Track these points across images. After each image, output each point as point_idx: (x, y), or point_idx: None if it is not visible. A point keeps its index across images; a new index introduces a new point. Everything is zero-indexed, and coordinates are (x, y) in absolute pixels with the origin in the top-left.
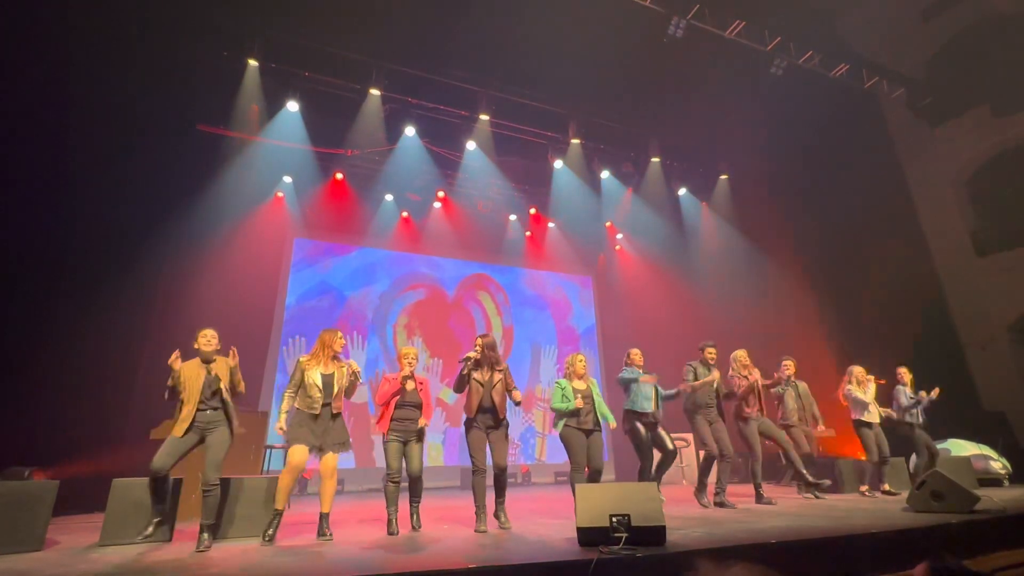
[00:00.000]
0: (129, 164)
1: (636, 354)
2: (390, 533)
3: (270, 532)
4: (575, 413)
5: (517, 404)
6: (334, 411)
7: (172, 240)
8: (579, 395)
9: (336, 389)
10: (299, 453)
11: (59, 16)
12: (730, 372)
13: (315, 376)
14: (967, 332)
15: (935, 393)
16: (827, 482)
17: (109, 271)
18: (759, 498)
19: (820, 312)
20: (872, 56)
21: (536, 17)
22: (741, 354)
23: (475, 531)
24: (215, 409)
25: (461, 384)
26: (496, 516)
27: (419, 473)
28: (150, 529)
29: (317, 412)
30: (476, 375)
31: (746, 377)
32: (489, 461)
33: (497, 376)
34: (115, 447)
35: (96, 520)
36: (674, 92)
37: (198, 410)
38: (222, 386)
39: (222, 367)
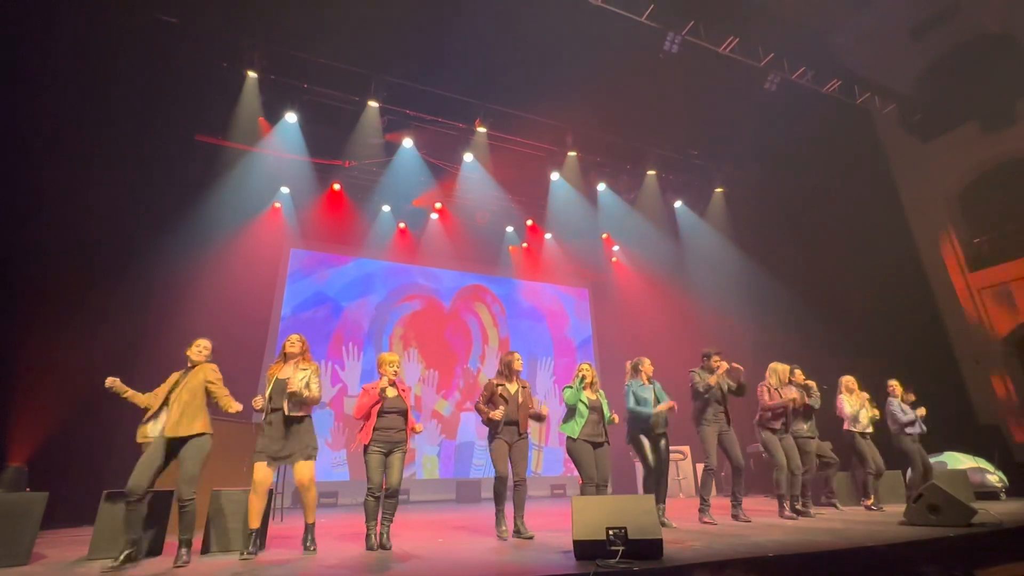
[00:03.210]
0: (127, 174)
1: (647, 364)
2: (369, 548)
3: (251, 550)
4: (587, 411)
5: (540, 420)
6: (288, 414)
7: (169, 250)
8: (590, 405)
9: (291, 391)
10: (260, 470)
11: (59, 27)
12: (763, 383)
13: (271, 381)
14: (961, 346)
15: (920, 413)
16: (804, 513)
17: (105, 280)
18: (782, 511)
19: (814, 325)
20: (863, 72)
21: (534, 30)
22: (782, 368)
23: (498, 537)
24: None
25: (487, 418)
26: (516, 529)
27: (397, 487)
28: (120, 558)
29: (270, 420)
30: (502, 389)
31: (778, 390)
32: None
33: (523, 392)
34: (106, 459)
35: (85, 534)
36: (670, 106)
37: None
38: (179, 390)
39: (195, 375)
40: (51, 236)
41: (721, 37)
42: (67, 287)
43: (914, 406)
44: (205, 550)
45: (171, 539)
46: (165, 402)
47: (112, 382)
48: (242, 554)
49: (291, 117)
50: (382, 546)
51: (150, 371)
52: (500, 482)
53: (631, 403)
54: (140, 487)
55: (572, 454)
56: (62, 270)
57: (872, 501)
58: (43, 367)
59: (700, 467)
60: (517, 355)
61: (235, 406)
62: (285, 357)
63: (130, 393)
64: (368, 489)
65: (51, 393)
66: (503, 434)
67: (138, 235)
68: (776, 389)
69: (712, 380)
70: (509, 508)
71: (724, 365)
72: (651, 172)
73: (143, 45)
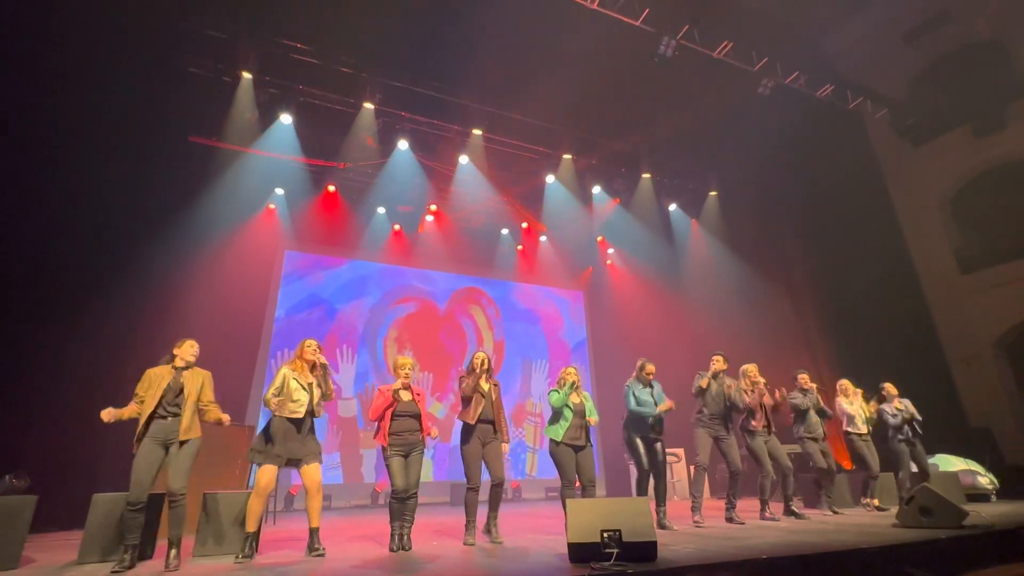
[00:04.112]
0: (121, 175)
1: (650, 367)
2: (392, 549)
3: (246, 552)
4: (572, 415)
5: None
6: (317, 415)
7: (162, 252)
8: (573, 409)
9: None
10: (267, 474)
11: (52, 27)
12: (740, 385)
13: (295, 383)
14: (953, 349)
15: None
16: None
17: (98, 282)
18: (763, 514)
19: (807, 328)
20: (856, 77)
21: (529, 34)
22: (751, 368)
23: (463, 543)
24: (176, 416)
25: (472, 390)
26: (487, 530)
27: (415, 487)
28: (126, 557)
29: (301, 416)
30: (478, 386)
31: (753, 391)
32: (484, 476)
33: (495, 391)
34: (96, 463)
35: (75, 537)
36: (664, 110)
37: (157, 416)
38: (185, 393)
39: (193, 378)
40: (43, 239)
41: (715, 41)
42: (59, 289)
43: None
44: (197, 553)
45: (163, 542)
46: (158, 407)
47: (110, 415)
48: (238, 557)
49: (286, 118)
50: (403, 548)
51: (143, 372)
52: (473, 492)
53: (632, 404)
54: (144, 496)
55: (553, 456)
56: (54, 273)
57: (868, 501)
58: (34, 370)
59: (693, 468)
60: (480, 353)
61: (226, 418)
62: (301, 362)
63: (126, 412)
64: (392, 492)
65: (41, 396)
66: (478, 434)
67: (131, 237)
68: (747, 391)
69: (704, 383)
70: (481, 514)
71: (719, 364)
72: (646, 175)
73: (137, 45)
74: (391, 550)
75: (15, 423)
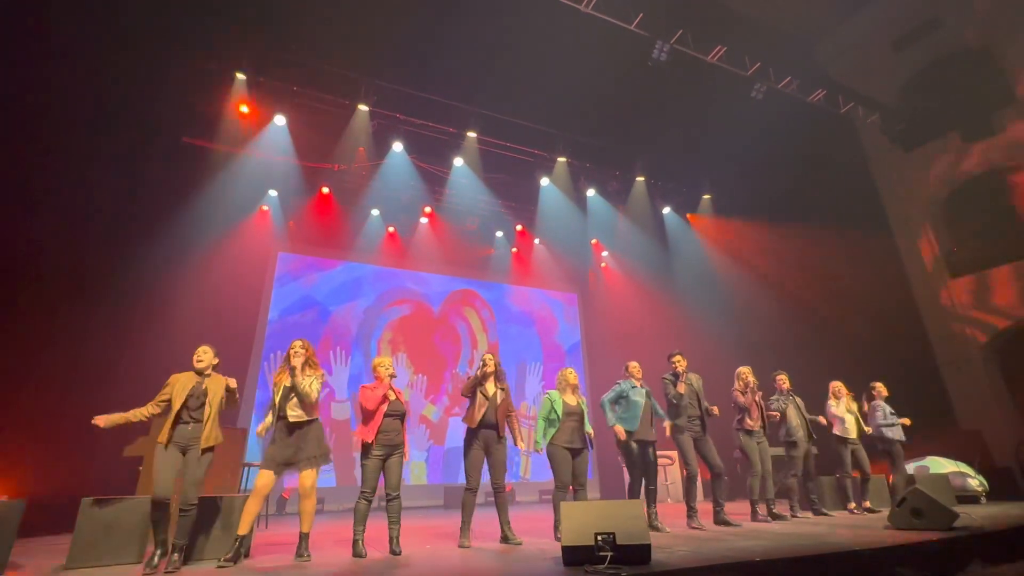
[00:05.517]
0: (114, 176)
1: (635, 368)
2: (356, 555)
3: (229, 555)
4: (557, 429)
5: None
6: (291, 420)
7: (155, 253)
8: (568, 411)
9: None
10: (264, 477)
11: (46, 28)
12: (734, 387)
13: (279, 389)
14: (943, 351)
15: (904, 422)
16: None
17: (90, 283)
18: (755, 515)
19: (799, 330)
20: (847, 83)
21: (525, 37)
22: (745, 370)
23: (459, 546)
24: (198, 423)
25: (470, 390)
26: (504, 538)
27: (398, 489)
28: (155, 560)
29: (288, 421)
30: (482, 389)
31: (748, 392)
32: (484, 479)
33: (501, 395)
34: (84, 466)
35: (63, 542)
36: (658, 113)
37: (180, 422)
38: (208, 400)
39: (216, 383)
40: (35, 240)
41: (709, 46)
42: (51, 290)
43: (899, 413)
44: (187, 557)
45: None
46: (181, 409)
47: (106, 420)
48: (220, 561)
49: (280, 119)
50: (393, 552)
51: (135, 374)
52: (471, 493)
53: (609, 397)
54: (168, 492)
55: (549, 458)
56: (44, 275)
57: (855, 505)
58: (24, 372)
59: (687, 473)
60: (488, 356)
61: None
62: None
63: (126, 417)
64: (362, 492)
65: (31, 399)
66: (481, 438)
67: (124, 238)
68: (743, 392)
69: (681, 388)
70: (481, 517)
71: (682, 364)
72: (640, 178)
73: (131, 46)
74: (355, 555)
75: (4, 426)
